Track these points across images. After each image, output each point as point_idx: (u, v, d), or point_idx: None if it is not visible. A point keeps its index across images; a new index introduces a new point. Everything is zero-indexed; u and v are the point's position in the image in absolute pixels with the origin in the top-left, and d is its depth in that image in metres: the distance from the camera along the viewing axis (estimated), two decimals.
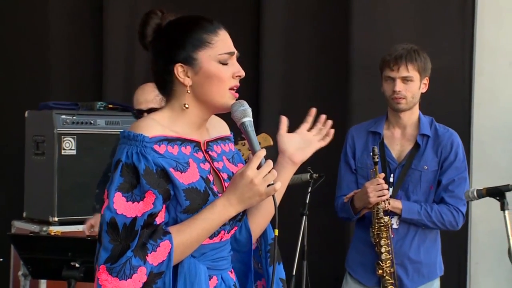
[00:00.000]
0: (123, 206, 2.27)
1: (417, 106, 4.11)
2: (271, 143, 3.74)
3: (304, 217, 4.64)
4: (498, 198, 3.79)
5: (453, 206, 3.99)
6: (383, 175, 3.95)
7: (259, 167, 2.32)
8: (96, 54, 6.53)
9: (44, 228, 5.25)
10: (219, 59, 2.41)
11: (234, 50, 2.45)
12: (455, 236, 5.13)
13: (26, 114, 5.71)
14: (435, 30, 5.58)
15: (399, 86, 3.99)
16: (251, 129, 2.38)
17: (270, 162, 2.33)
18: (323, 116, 2.63)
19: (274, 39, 5.91)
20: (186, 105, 2.41)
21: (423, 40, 5.16)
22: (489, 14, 5.53)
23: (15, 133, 5.99)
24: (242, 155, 3.67)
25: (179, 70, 2.40)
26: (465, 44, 5.54)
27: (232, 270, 2.54)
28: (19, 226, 5.57)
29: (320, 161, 5.36)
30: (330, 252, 5.62)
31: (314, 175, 4.78)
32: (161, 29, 2.45)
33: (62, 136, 5.39)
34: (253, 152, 2.35)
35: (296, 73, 5.96)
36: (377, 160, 3.91)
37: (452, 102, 5.52)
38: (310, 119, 2.63)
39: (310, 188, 4.69)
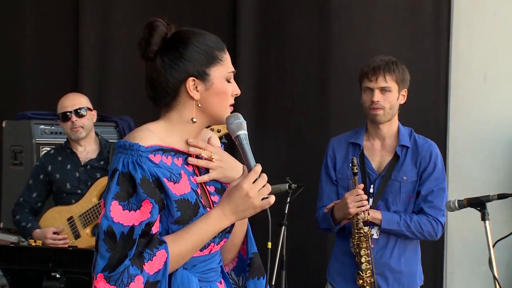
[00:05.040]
0: (119, 215, 2.29)
1: (396, 118, 4.14)
2: None
3: (283, 227, 4.66)
4: (479, 208, 3.85)
5: (432, 217, 4.03)
6: (362, 185, 3.98)
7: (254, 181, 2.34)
8: (71, 64, 6.52)
9: (22, 239, 5.22)
10: (226, 77, 2.46)
11: (234, 69, 2.51)
12: (431, 246, 5.18)
13: (3, 124, 5.69)
14: (411, 42, 5.63)
15: (378, 96, 4.02)
16: (245, 142, 2.39)
17: (264, 176, 2.35)
18: None
19: (249, 48, 5.93)
20: (194, 119, 2.44)
21: (399, 52, 5.20)
22: (464, 27, 5.60)
23: None
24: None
25: (190, 83, 2.42)
26: (440, 57, 5.60)
27: (222, 281, 2.56)
28: None
29: (299, 171, 5.42)
30: (309, 262, 5.65)
31: (293, 185, 4.82)
32: (170, 39, 2.45)
33: (41, 146, 5.38)
34: (248, 165, 2.36)
35: (272, 84, 5.99)
36: (356, 170, 3.93)
37: (428, 113, 5.57)
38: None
39: (288, 198, 4.72)
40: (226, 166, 2.53)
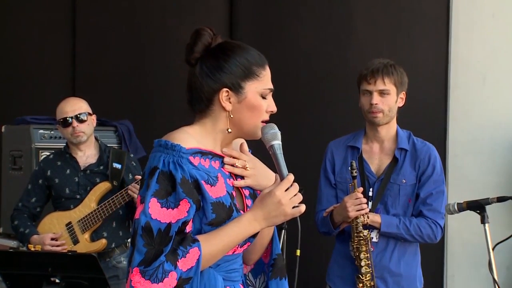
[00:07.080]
0: (157, 212, 2.36)
1: (394, 120, 4.14)
2: None
3: (283, 230, 4.66)
4: (478, 211, 3.84)
5: (431, 220, 4.03)
6: (361, 189, 3.98)
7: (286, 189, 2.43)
8: (69, 69, 6.53)
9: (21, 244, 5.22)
10: (262, 93, 2.52)
11: (272, 86, 2.56)
12: (432, 249, 5.17)
13: (3, 129, 5.70)
14: (410, 45, 5.64)
15: (376, 99, 4.03)
16: (279, 152, 2.47)
17: (296, 185, 2.43)
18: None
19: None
20: (229, 130, 2.51)
21: (398, 55, 5.21)
22: (463, 29, 5.61)
23: None
24: None
25: (223, 94, 2.48)
26: (440, 59, 5.60)
27: (243, 282, 2.63)
28: None
29: (299, 175, 5.41)
30: (308, 265, 5.63)
31: None
32: (213, 49, 2.52)
33: (40, 151, 5.38)
34: (280, 174, 2.44)
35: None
36: (355, 174, 3.94)
37: (427, 116, 5.57)
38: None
39: None
40: (258, 174, 2.61)
